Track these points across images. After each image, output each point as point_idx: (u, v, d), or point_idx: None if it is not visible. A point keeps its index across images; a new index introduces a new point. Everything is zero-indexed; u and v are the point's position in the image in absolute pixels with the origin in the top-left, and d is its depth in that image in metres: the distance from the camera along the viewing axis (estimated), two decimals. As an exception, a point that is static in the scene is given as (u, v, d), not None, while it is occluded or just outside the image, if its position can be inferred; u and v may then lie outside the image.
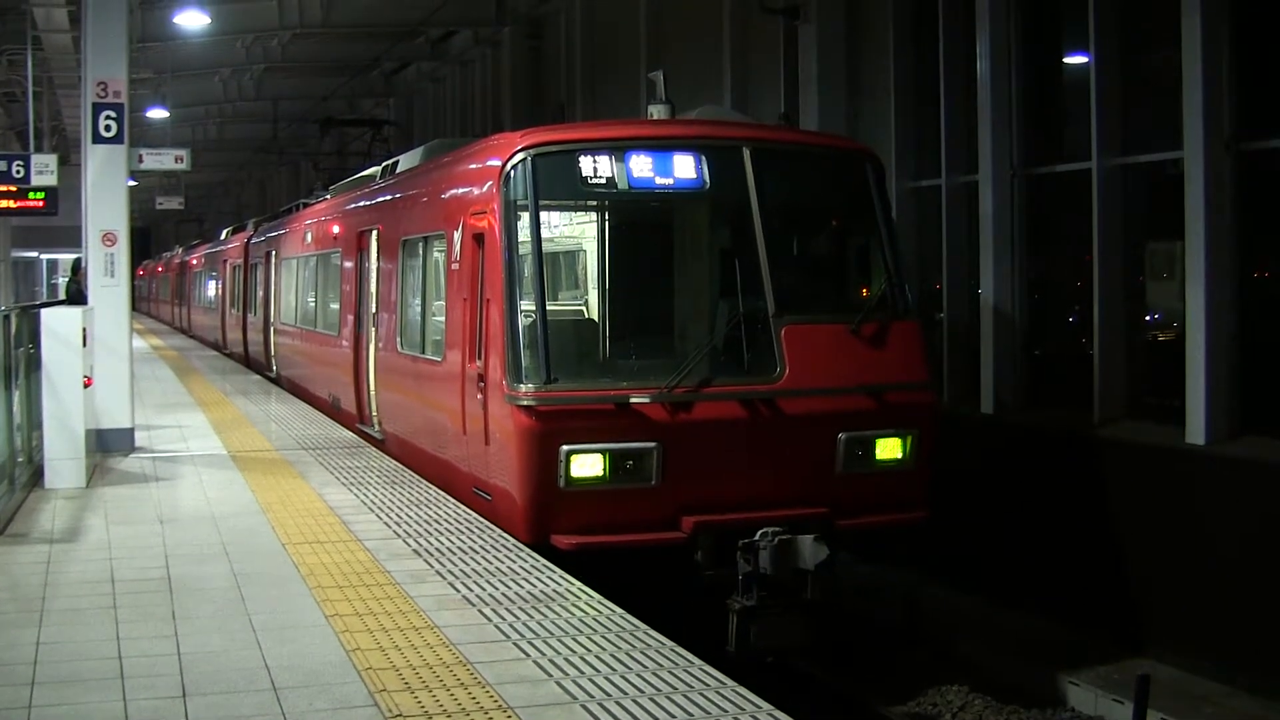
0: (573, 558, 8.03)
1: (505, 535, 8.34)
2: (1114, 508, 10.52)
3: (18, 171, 19.71)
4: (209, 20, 21.65)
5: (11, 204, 20.23)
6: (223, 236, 31.69)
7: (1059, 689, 9.67)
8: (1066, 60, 12.44)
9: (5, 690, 5.34)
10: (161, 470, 11.07)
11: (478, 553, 7.81)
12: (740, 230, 9.14)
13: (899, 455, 9.03)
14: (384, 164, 14.81)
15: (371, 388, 12.99)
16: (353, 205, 14.99)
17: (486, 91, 27.51)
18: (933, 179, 13.34)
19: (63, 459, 10.18)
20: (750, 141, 9.22)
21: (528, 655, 5.74)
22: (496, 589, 6.92)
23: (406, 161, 13.41)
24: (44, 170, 19.71)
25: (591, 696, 5.20)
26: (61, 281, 43.01)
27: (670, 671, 5.54)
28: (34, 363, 10.36)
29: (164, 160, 14.58)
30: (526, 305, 8.62)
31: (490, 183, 9.05)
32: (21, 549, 8.13)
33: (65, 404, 10.16)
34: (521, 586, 6.99)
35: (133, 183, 13.95)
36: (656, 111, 9.83)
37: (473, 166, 9.90)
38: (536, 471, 8.33)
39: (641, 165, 8.92)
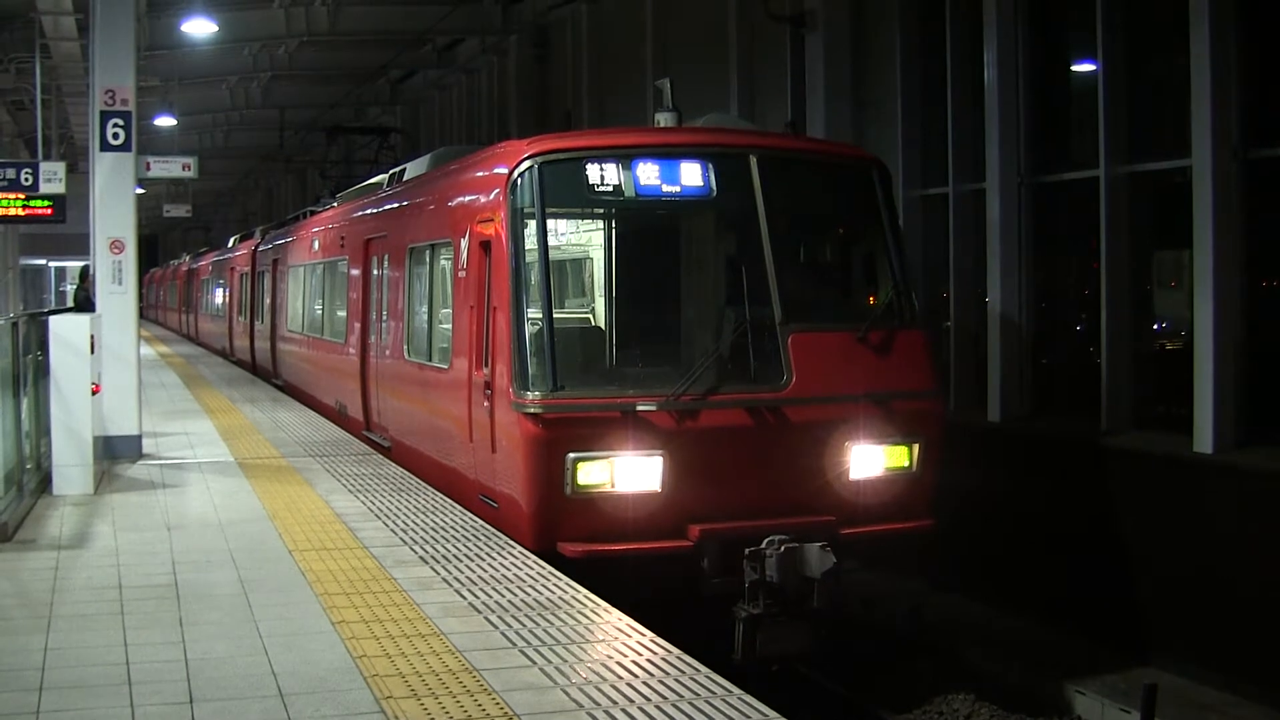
0: (579, 565, 8.03)
1: (512, 542, 8.34)
2: (1121, 516, 10.50)
3: (26, 179, 19.75)
4: (216, 28, 21.70)
5: (20, 211, 20.27)
6: (230, 244, 31.74)
7: (1065, 697, 9.66)
8: (1074, 68, 12.45)
9: (13, 696, 5.36)
10: (169, 477, 11.08)
11: (484, 560, 7.81)
12: (747, 238, 9.14)
13: (905, 463, 9.03)
14: (391, 172, 14.83)
15: (378, 395, 13.00)
16: (360, 213, 15.01)
17: (493, 99, 27.57)
18: (940, 187, 13.34)
19: (70, 465, 10.19)
20: (757, 149, 9.23)
21: (534, 663, 5.74)
22: (503, 596, 6.92)
23: (413, 169, 13.43)
24: (52, 178, 19.75)
25: (598, 704, 5.20)
26: (69, 289, 43.09)
27: (676, 679, 5.54)
28: (42, 370, 10.38)
29: (171, 168, 14.63)
30: (533, 313, 8.63)
31: (497, 190, 9.06)
32: (30, 555, 8.15)
33: (73, 411, 10.18)
34: (528, 594, 6.99)
35: (140, 190, 13.96)
36: (663, 119, 9.84)
37: (480, 174, 9.91)
38: (543, 479, 8.34)
39: (648, 173, 8.93)
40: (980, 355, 12.60)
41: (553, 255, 8.97)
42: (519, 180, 8.85)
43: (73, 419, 10.19)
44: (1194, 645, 9.75)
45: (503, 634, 6.20)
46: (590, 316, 10.73)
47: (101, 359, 11.18)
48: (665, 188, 8.98)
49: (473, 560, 7.79)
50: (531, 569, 7.60)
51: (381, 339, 12.94)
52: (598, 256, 10.27)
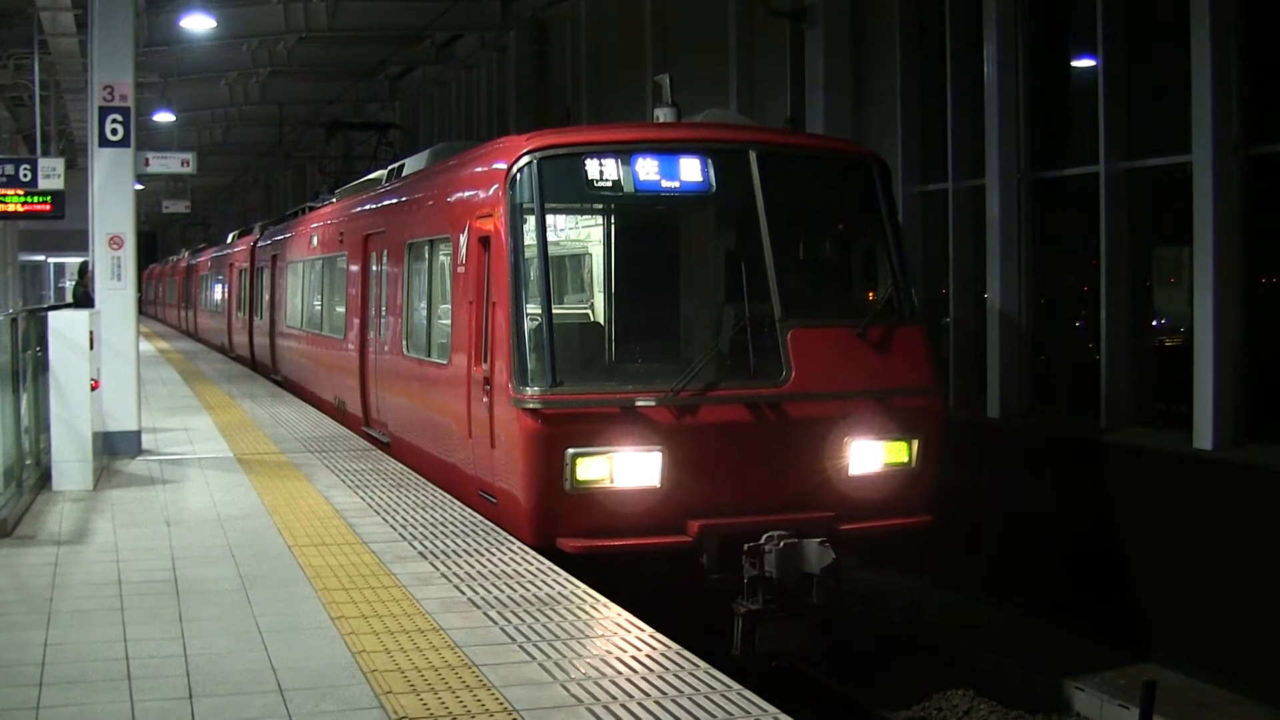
0: (578, 560, 8.03)
1: (511, 538, 8.34)
2: (1120, 513, 10.50)
3: (25, 175, 19.75)
4: (215, 24, 21.68)
5: (19, 207, 20.26)
6: (229, 240, 31.73)
7: (1064, 694, 9.66)
8: (1074, 64, 12.44)
9: (13, 691, 5.36)
10: (168, 473, 11.08)
11: (483, 555, 7.81)
12: (746, 234, 9.13)
13: (904, 459, 9.03)
14: (390, 168, 14.82)
15: (377, 391, 13.00)
16: (358, 209, 15.01)
17: (492, 95, 27.55)
18: (939, 183, 13.33)
19: (70, 461, 10.19)
20: (756, 145, 9.22)
21: (533, 658, 5.74)
22: (502, 592, 6.93)
23: (412, 165, 13.42)
24: (51, 174, 19.75)
25: (597, 699, 5.20)
26: (69, 285, 43.09)
27: (675, 675, 5.54)
28: (41, 366, 10.38)
29: (170, 164, 14.56)
30: (532, 308, 8.63)
31: (496, 185, 9.05)
32: (29, 551, 8.15)
33: (72, 407, 10.18)
34: (527, 589, 6.99)
35: (139, 186, 13.95)
36: (662, 115, 9.84)
37: (479, 169, 9.91)
38: (542, 474, 8.34)
39: (647, 168, 8.92)
40: (979, 351, 12.59)
41: (552, 251, 8.96)
42: (518, 175, 8.84)
43: (72, 415, 10.19)
44: (1193, 643, 9.75)
45: (502, 629, 6.20)
46: (589, 312, 10.72)
47: (100, 355, 11.17)
48: (664, 183, 8.97)
49: (472, 556, 7.79)
50: (531, 564, 7.60)
51: (380, 335, 12.94)
52: (597, 252, 10.26)
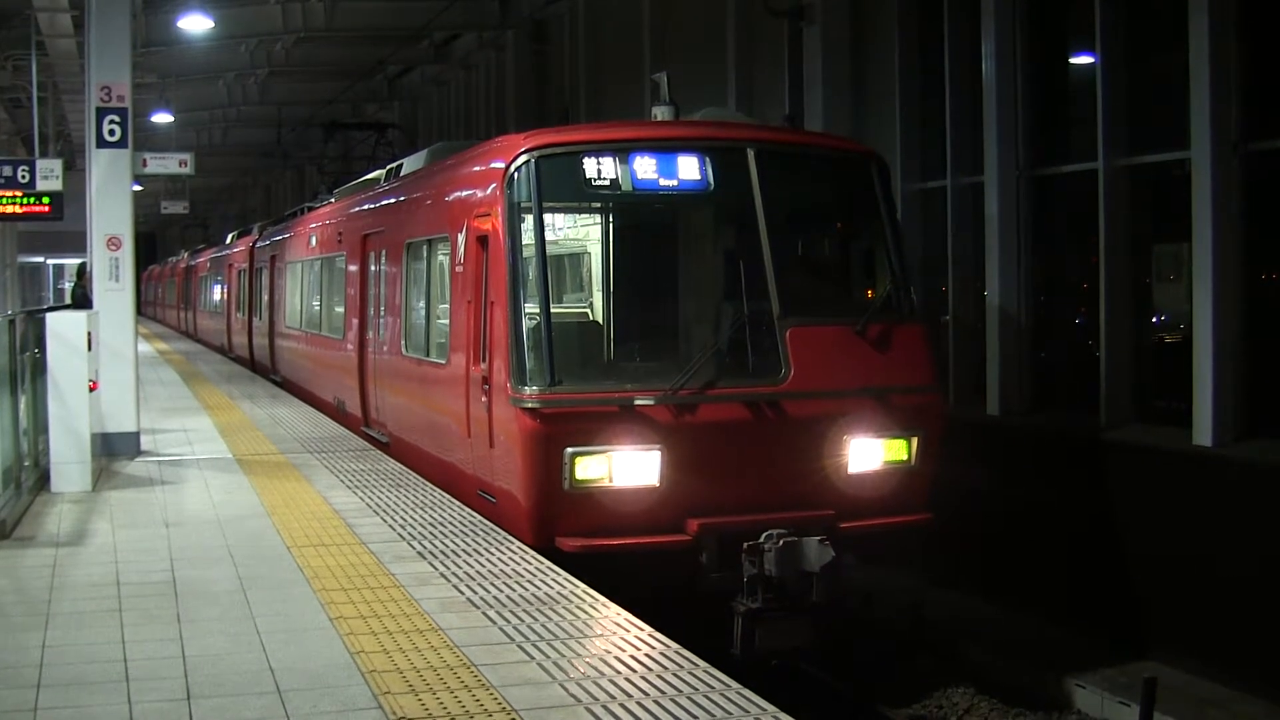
0: (577, 560, 8.02)
1: (510, 537, 8.33)
2: (1120, 510, 10.49)
3: (23, 176, 19.73)
4: (212, 24, 21.68)
5: (17, 209, 20.25)
6: (228, 241, 31.71)
7: (1065, 691, 9.65)
8: (1072, 61, 12.43)
9: (11, 693, 5.35)
10: (167, 474, 11.07)
11: (482, 555, 7.80)
12: (745, 232, 9.12)
13: (904, 457, 9.01)
14: (388, 167, 14.82)
15: (376, 391, 12.99)
16: (357, 209, 15.00)
17: (490, 94, 27.55)
18: (938, 180, 13.32)
19: (68, 463, 10.18)
20: (755, 143, 9.20)
21: (532, 658, 5.73)
22: (501, 591, 6.92)
23: (410, 165, 13.41)
24: (49, 175, 19.72)
25: (595, 699, 5.19)
26: (67, 286, 43.07)
27: (675, 674, 5.52)
28: (40, 367, 10.37)
29: (168, 164, 14.53)
30: (531, 307, 8.61)
31: (494, 185, 9.04)
32: (28, 552, 8.14)
33: (71, 408, 10.17)
34: (526, 589, 6.98)
35: (137, 187, 13.94)
36: (660, 113, 9.82)
37: (476, 169, 9.89)
38: (541, 474, 8.32)
39: (645, 167, 8.91)
40: (979, 349, 12.58)
41: (550, 250, 8.95)
42: (516, 174, 8.83)
43: (71, 416, 10.18)
44: (1193, 639, 9.74)
45: (501, 629, 6.19)
46: (588, 311, 10.71)
47: (99, 356, 11.16)
48: (662, 181, 8.95)
49: (471, 555, 7.78)
50: (529, 564, 7.59)
51: (379, 335, 12.93)
52: (595, 251, 10.25)
